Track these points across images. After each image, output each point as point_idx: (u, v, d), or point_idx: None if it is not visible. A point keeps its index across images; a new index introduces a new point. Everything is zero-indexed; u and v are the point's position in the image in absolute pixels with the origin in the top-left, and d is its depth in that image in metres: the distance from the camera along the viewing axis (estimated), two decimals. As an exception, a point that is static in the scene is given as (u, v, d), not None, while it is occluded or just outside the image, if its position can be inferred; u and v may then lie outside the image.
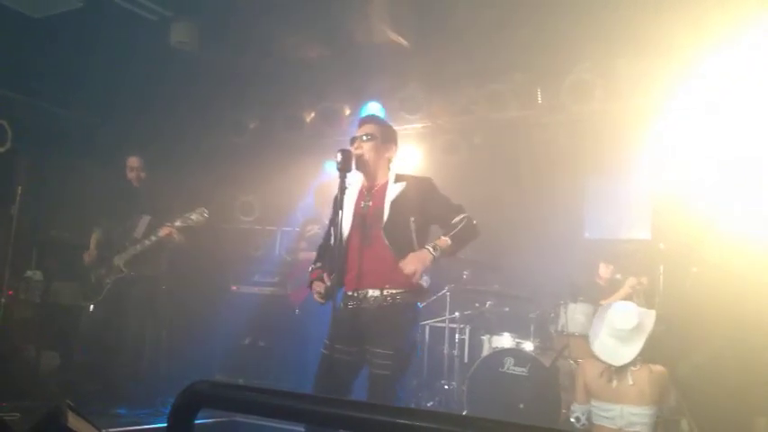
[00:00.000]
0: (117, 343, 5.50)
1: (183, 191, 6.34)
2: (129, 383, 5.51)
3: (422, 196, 3.62)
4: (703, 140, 5.71)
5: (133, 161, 5.78)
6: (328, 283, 3.57)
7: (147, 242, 5.51)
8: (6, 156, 6.11)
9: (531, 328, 5.78)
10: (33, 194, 5.82)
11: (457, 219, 3.57)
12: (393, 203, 3.58)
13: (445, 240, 3.49)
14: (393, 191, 3.61)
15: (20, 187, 5.78)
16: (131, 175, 5.77)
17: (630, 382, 4.22)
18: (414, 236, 3.53)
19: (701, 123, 5.72)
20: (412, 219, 3.55)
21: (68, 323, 5.77)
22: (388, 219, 3.55)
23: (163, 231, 5.44)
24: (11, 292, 5.79)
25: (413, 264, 3.38)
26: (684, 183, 5.84)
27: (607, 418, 4.27)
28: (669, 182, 6.05)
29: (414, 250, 3.48)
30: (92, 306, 5.54)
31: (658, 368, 4.30)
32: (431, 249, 3.44)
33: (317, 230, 6.52)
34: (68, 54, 6.14)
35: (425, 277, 3.55)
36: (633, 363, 4.26)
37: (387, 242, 3.52)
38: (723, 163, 5.61)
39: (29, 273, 5.74)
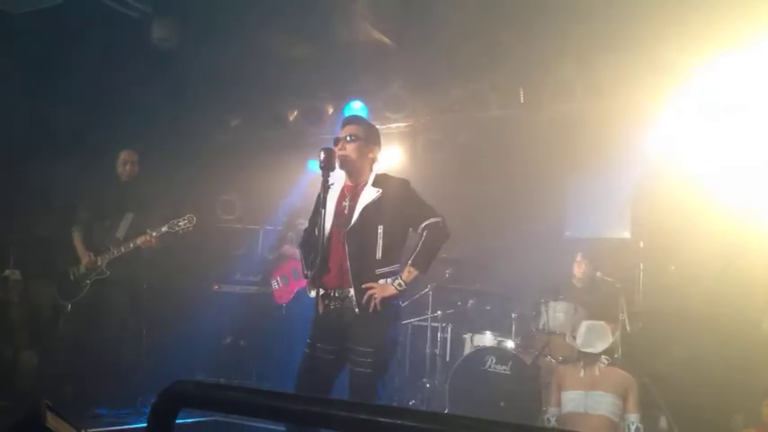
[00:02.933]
0: (97, 342, 5.44)
1: (165, 189, 6.28)
2: (109, 383, 5.46)
3: (396, 203, 3.62)
4: (684, 140, 5.77)
5: (129, 155, 5.67)
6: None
7: (131, 245, 5.44)
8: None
9: (513, 327, 5.81)
10: (12, 193, 5.75)
11: (421, 227, 3.62)
12: (364, 209, 3.58)
13: (410, 271, 3.57)
14: (367, 196, 3.61)
15: (-2, 186, 5.72)
16: (124, 169, 5.65)
17: (597, 373, 4.75)
18: (379, 242, 3.53)
19: (682, 122, 5.77)
20: (380, 227, 3.55)
21: (47, 322, 5.70)
22: (354, 224, 3.56)
23: (141, 240, 5.36)
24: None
25: (374, 291, 3.47)
26: (664, 181, 5.90)
27: (573, 402, 4.70)
28: (649, 181, 6.10)
29: (377, 258, 3.52)
30: (69, 305, 5.47)
31: (625, 373, 4.80)
32: (396, 286, 3.53)
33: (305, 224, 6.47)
34: (49, 51, 6.06)
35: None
36: (601, 359, 4.80)
37: (346, 247, 3.54)
38: (703, 162, 5.67)
39: (7, 272, 5.66)
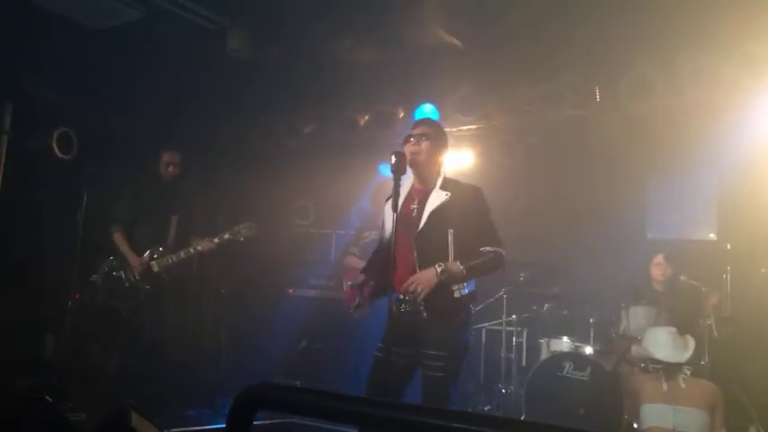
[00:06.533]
0: (176, 345, 5.61)
1: (236, 196, 6.40)
2: (190, 385, 5.62)
3: (465, 209, 3.57)
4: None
5: (171, 156, 5.77)
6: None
7: (191, 251, 5.58)
8: (72, 163, 6.30)
9: (591, 332, 5.65)
10: (99, 201, 6.00)
11: (485, 249, 3.52)
12: (432, 213, 3.55)
13: (458, 268, 3.45)
14: (435, 200, 3.59)
15: (85, 194, 5.96)
16: (167, 170, 5.76)
17: (683, 386, 4.41)
18: (450, 248, 3.49)
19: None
20: (450, 231, 3.51)
21: (131, 326, 5.90)
22: (423, 228, 3.54)
23: (204, 246, 5.52)
24: (77, 296, 5.98)
25: (415, 283, 3.41)
26: (752, 180, 5.63)
27: (660, 418, 4.37)
28: (736, 180, 5.83)
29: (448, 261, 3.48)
30: (123, 311, 5.61)
31: (711, 384, 4.47)
32: (438, 271, 3.41)
33: (373, 237, 6.49)
34: (131, 63, 6.31)
35: (465, 289, 3.53)
36: (683, 370, 4.46)
37: (414, 251, 3.51)
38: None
39: (94, 277, 5.90)
